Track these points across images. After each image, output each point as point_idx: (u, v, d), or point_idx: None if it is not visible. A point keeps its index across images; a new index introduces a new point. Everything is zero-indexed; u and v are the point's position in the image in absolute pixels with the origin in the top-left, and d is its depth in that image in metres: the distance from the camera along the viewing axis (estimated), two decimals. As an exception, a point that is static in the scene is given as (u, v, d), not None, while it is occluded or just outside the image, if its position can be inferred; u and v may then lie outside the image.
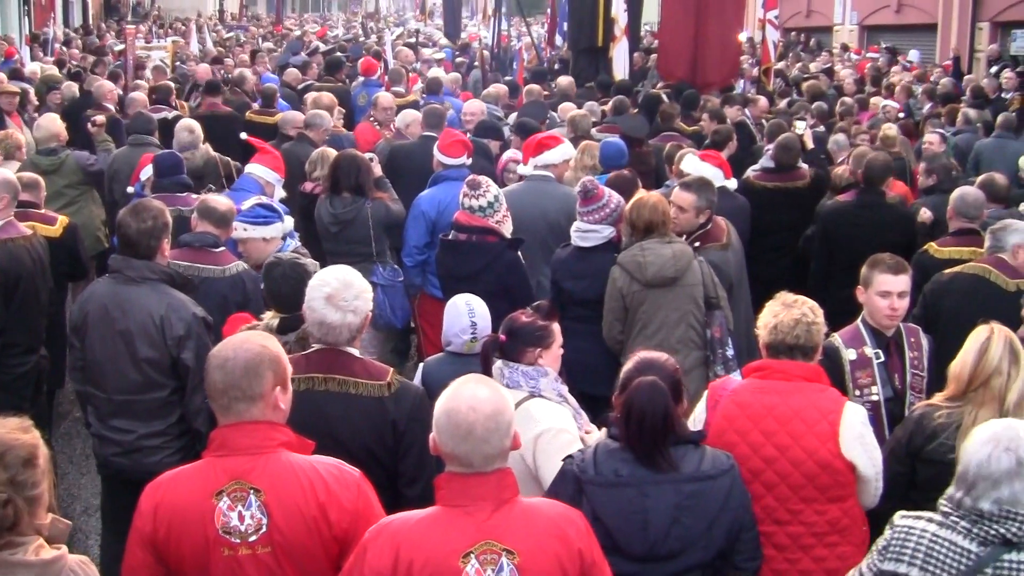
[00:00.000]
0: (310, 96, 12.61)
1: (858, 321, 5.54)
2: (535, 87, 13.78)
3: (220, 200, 6.48)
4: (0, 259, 6.36)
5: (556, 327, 4.78)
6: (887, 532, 3.60)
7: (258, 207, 6.57)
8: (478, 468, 3.21)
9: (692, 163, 8.20)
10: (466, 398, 3.24)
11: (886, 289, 5.41)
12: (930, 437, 4.52)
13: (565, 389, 4.72)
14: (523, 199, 7.65)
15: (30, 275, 6.48)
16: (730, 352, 6.38)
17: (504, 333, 4.74)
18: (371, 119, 11.95)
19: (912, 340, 5.51)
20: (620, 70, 15.96)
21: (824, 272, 8.16)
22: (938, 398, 4.65)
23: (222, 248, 6.26)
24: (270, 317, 5.33)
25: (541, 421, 4.42)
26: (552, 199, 7.78)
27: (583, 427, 4.66)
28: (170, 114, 12.04)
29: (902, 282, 5.45)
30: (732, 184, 8.42)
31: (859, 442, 4.36)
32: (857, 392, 5.31)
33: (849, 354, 5.38)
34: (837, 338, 5.43)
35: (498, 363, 4.71)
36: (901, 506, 4.47)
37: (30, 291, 6.49)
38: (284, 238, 6.68)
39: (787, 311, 4.48)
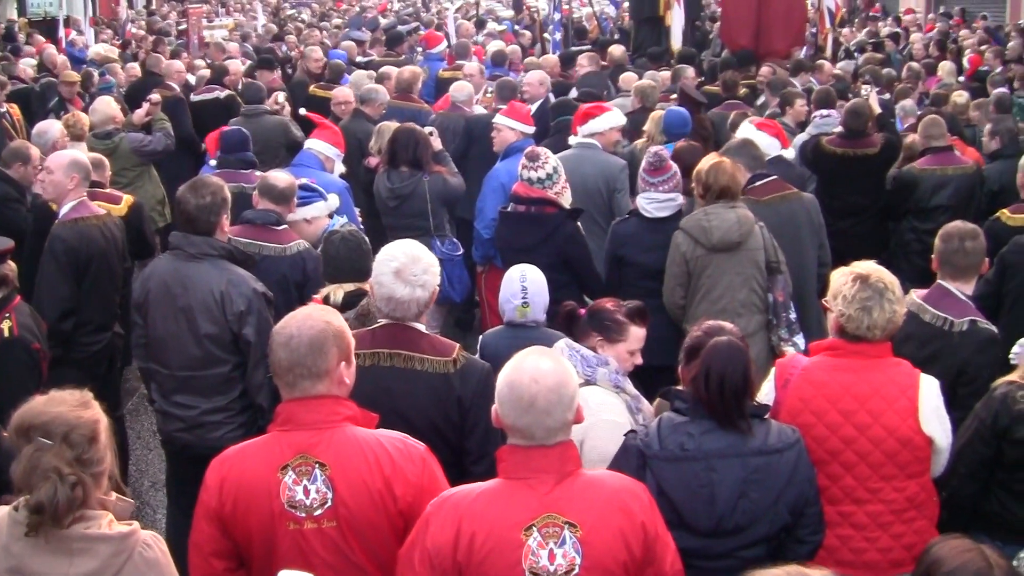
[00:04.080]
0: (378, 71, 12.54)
1: None
2: (592, 56, 13.64)
3: (280, 177, 6.46)
4: (71, 239, 6.45)
5: (635, 330, 4.74)
6: None
7: (298, 188, 6.54)
8: (540, 441, 3.18)
9: (747, 131, 8.12)
10: (529, 370, 3.20)
11: None
12: (1017, 420, 4.35)
13: (627, 383, 4.66)
14: (565, 166, 7.63)
15: (102, 254, 6.57)
16: (793, 315, 6.38)
17: (585, 310, 4.71)
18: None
19: None
20: (676, 39, 15.65)
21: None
22: (1019, 374, 4.47)
23: (284, 226, 6.25)
24: (333, 291, 5.34)
25: (593, 412, 4.34)
26: (592, 165, 7.84)
27: (640, 417, 4.61)
28: (222, 94, 12.09)
29: None
30: (789, 153, 8.32)
31: (936, 415, 4.27)
32: None
33: None
34: None
35: (562, 342, 4.69)
36: (985, 487, 4.38)
37: (103, 270, 6.59)
38: (331, 216, 6.67)
39: (878, 306, 4.25)
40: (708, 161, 6.52)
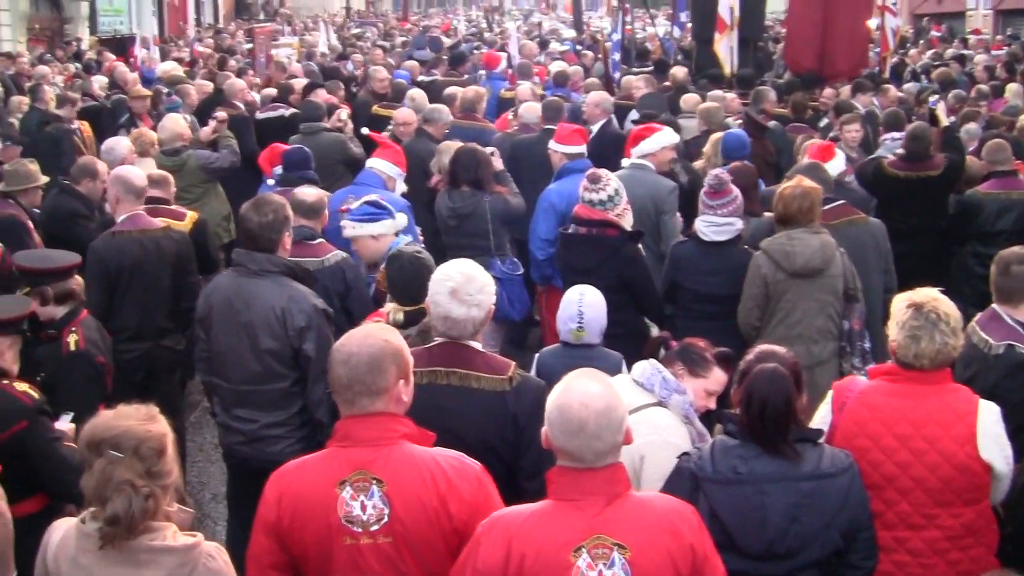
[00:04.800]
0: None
1: None
2: (648, 78, 13.64)
3: (308, 192, 6.65)
4: (101, 250, 6.66)
5: (718, 372, 4.73)
6: None
7: (366, 204, 6.64)
8: (589, 463, 3.20)
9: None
10: (578, 394, 3.22)
11: None
12: None
13: (696, 418, 4.62)
14: None
15: (136, 265, 6.70)
16: (867, 344, 6.36)
17: (677, 342, 4.78)
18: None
19: None
20: (727, 63, 15.49)
21: None
22: None
23: (319, 240, 6.39)
24: (394, 311, 5.41)
25: (658, 431, 4.37)
26: (641, 186, 7.79)
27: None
28: (287, 112, 12.21)
29: None
30: (849, 177, 8.28)
31: (995, 442, 4.22)
32: None
33: None
34: None
35: (649, 362, 4.70)
36: None
37: (137, 281, 6.72)
38: (396, 234, 6.75)
39: (928, 336, 4.23)
40: (780, 188, 6.54)
